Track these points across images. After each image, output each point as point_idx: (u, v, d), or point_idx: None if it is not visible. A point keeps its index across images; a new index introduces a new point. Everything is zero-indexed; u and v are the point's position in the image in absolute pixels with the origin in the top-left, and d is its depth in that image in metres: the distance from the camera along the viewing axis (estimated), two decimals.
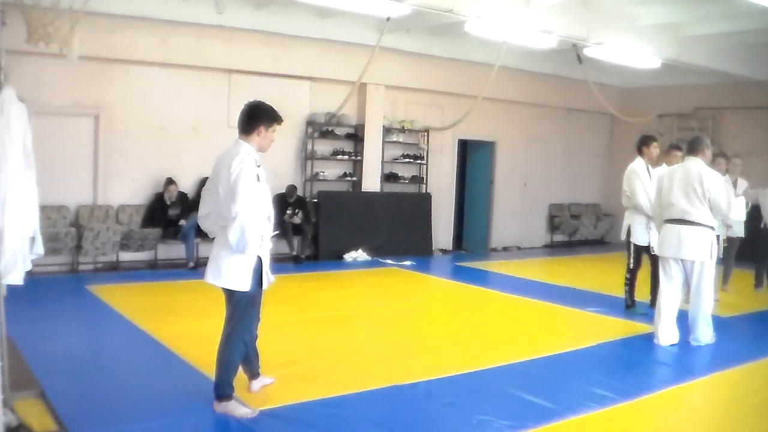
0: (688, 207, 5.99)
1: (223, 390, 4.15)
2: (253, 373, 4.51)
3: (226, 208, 3.94)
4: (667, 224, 6.17)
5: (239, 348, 4.17)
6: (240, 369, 4.34)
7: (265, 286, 4.19)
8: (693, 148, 6.19)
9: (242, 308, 4.12)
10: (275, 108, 4.22)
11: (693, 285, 6.14)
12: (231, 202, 3.88)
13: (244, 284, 4.03)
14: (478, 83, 10.46)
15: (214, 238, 4.23)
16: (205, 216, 4.26)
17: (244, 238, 3.87)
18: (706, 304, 6.19)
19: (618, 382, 5.08)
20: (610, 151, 15.05)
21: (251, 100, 4.26)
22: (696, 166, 6.05)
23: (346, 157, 11.31)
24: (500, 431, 4.06)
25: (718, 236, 6.71)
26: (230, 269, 4.01)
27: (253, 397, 4.39)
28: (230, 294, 4.10)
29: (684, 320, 6.38)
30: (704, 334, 6.25)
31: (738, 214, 6.13)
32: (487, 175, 13.38)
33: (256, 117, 4.12)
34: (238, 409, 4.14)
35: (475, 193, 13.62)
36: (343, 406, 4.36)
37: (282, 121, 4.22)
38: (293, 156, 10.86)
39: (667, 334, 6.23)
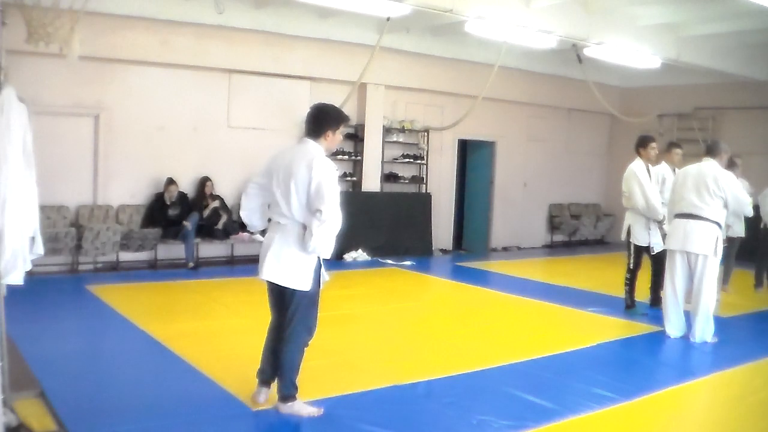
0: (698, 202, 6.22)
1: (288, 390, 4.13)
2: (266, 380, 4.32)
3: (303, 208, 3.91)
4: (676, 219, 6.41)
5: (300, 348, 4.12)
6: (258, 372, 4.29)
7: (321, 285, 4.18)
8: (711, 150, 6.49)
9: (304, 307, 4.08)
10: (339, 108, 4.18)
11: (696, 280, 6.30)
12: (318, 204, 3.83)
13: (306, 284, 4.01)
14: (478, 83, 10.46)
15: (262, 234, 4.19)
16: (252, 209, 4.27)
17: (330, 242, 3.89)
18: (708, 301, 6.26)
19: (618, 382, 5.08)
20: (610, 151, 15.05)
21: (318, 102, 4.23)
22: (710, 166, 6.31)
23: (346, 157, 11.30)
24: (500, 431, 4.06)
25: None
26: (293, 268, 3.98)
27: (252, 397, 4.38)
28: (291, 293, 4.03)
29: (688, 318, 6.46)
30: (705, 330, 6.32)
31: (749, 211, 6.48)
32: (487, 175, 13.37)
33: (323, 121, 4.08)
34: (304, 408, 4.15)
35: (475, 193, 13.61)
36: (343, 406, 4.36)
37: (349, 119, 4.19)
38: None
39: (674, 326, 6.50)
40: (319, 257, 4.05)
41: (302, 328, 4.11)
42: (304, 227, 3.94)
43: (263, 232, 4.31)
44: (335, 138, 4.12)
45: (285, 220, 4.00)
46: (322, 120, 4.08)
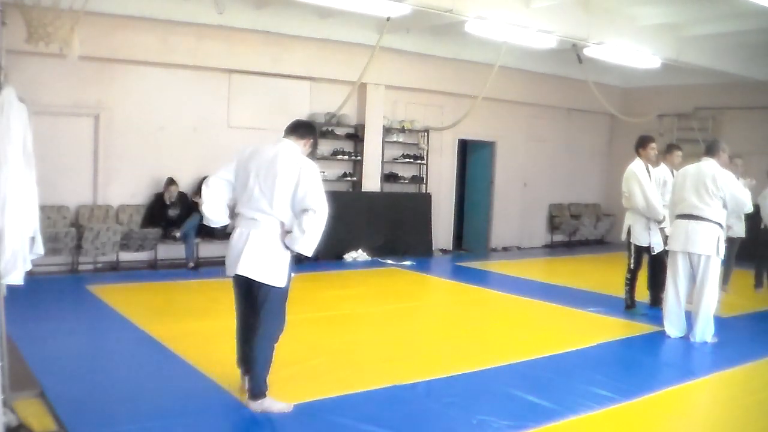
0: (698, 202, 6.23)
1: (260, 388, 4.18)
2: (249, 369, 4.39)
3: (286, 206, 4.01)
4: (677, 220, 6.43)
5: (273, 345, 4.20)
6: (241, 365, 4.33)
7: (289, 282, 4.26)
8: (710, 150, 6.50)
9: (278, 303, 4.17)
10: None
11: (698, 280, 6.32)
12: (310, 203, 3.97)
13: (282, 279, 4.09)
14: (478, 83, 10.45)
15: (230, 234, 4.21)
16: (218, 204, 4.22)
17: (317, 238, 4.01)
18: (710, 301, 6.28)
19: (618, 382, 5.08)
20: (610, 151, 15.05)
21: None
22: (709, 166, 6.32)
23: (346, 157, 11.31)
24: (500, 431, 4.06)
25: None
26: (271, 264, 4.05)
27: None
28: (266, 290, 4.09)
29: (688, 318, 6.48)
30: (706, 331, 6.33)
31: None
32: (487, 175, 13.37)
33: (312, 131, 4.36)
34: (275, 404, 4.18)
35: (475, 193, 13.62)
36: (343, 406, 4.36)
37: (315, 155, 4.41)
38: None
39: (674, 326, 6.51)
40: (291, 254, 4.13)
41: (276, 325, 4.19)
42: (282, 224, 4.04)
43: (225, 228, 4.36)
44: (307, 150, 4.31)
45: (262, 216, 4.05)
46: (311, 130, 4.36)
